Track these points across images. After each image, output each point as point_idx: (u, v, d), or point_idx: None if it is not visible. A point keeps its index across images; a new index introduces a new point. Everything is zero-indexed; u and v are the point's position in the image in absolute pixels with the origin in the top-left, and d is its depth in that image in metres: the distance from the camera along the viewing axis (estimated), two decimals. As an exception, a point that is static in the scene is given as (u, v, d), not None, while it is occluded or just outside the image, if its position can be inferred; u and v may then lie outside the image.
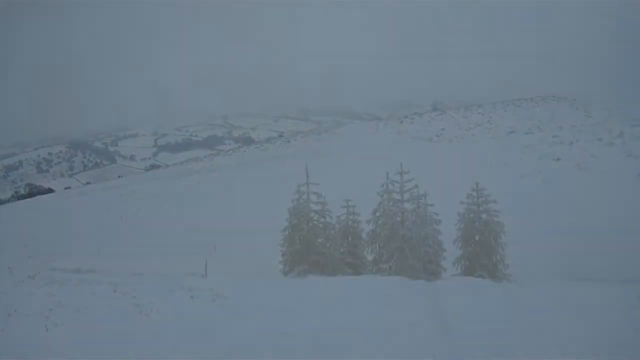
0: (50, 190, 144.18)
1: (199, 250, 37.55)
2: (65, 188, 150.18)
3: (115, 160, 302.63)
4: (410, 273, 30.80)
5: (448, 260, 33.83)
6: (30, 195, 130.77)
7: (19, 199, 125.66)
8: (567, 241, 35.38)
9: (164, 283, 22.56)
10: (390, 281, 26.52)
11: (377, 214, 33.78)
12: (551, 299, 20.12)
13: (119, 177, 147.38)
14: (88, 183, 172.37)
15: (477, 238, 34.26)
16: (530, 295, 21.87)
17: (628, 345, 13.00)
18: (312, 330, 14.76)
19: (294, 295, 21.13)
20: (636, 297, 19.04)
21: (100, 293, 18.43)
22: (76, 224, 60.37)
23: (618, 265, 30.45)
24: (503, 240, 33.76)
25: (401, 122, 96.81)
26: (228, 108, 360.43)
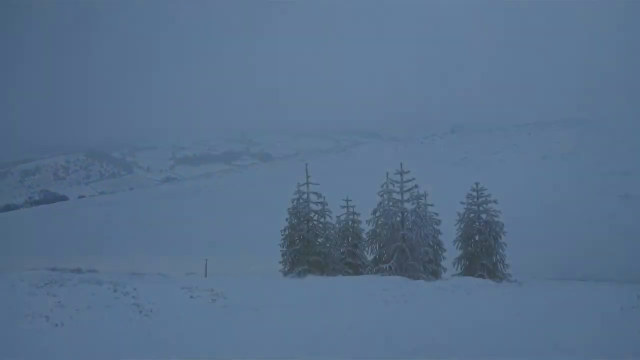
0: (64, 198, 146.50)
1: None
2: (80, 197, 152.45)
3: (132, 171, 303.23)
4: (411, 273, 30.82)
5: (448, 260, 33.88)
6: (45, 201, 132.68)
7: (32, 205, 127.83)
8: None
9: (164, 283, 22.56)
10: (390, 281, 26.51)
11: (377, 214, 33.82)
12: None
13: (130, 189, 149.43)
14: (102, 193, 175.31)
15: (477, 238, 34.35)
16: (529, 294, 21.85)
17: (628, 344, 12.99)
18: (313, 331, 14.76)
19: (294, 295, 21.12)
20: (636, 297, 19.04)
21: (100, 293, 18.43)
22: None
23: None
24: (503, 240, 33.83)
25: (421, 142, 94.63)
26: (247, 124, 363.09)
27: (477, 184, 33.84)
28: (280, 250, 32.61)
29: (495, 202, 33.38)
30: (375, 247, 33.37)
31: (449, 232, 33.42)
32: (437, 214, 33.70)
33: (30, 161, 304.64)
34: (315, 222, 32.97)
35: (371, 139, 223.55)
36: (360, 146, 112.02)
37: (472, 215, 33.71)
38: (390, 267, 30.83)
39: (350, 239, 34.36)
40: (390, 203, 32.71)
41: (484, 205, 33.47)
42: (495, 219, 33.25)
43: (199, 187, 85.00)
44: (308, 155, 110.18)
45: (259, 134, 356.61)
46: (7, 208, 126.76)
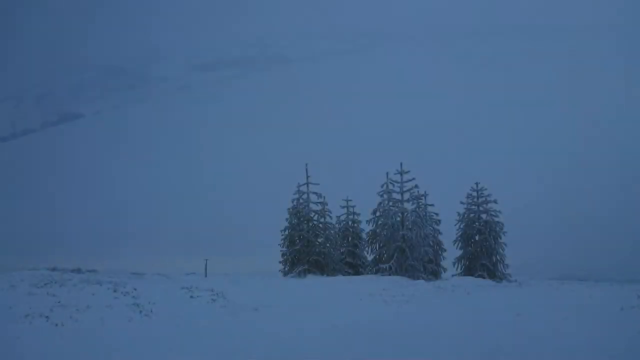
0: (80, 115, 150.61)
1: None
2: (95, 113, 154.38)
3: (148, 82, 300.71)
4: (411, 273, 30.81)
5: (448, 260, 33.90)
6: (62, 121, 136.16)
7: (49, 126, 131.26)
8: None
9: (164, 283, 22.55)
10: (390, 281, 26.51)
11: (377, 214, 33.80)
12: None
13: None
14: (116, 107, 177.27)
15: (477, 238, 34.36)
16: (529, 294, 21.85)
17: (628, 344, 12.99)
18: (312, 331, 14.75)
19: (293, 295, 21.12)
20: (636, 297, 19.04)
21: (100, 293, 18.42)
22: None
23: None
24: (503, 240, 33.82)
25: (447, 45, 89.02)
26: (263, 28, 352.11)
27: (477, 183, 33.85)
28: (280, 251, 32.61)
29: (495, 202, 33.40)
30: (375, 247, 33.37)
31: (449, 232, 33.43)
32: (437, 214, 33.72)
33: (43, 84, 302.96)
34: (315, 222, 32.97)
35: (394, 41, 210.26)
36: (378, 48, 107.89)
37: (472, 215, 33.71)
38: (390, 267, 30.83)
39: (350, 239, 34.38)
40: (390, 203, 32.71)
41: (484, 205, 33.47)
42: (495, 219, 33.25)
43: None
44: (324, 57, 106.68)
45: (275, 37, 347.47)
46: (25, 132, 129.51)
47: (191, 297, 19.19)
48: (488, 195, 33.49)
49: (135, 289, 19.17)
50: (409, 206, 32.49)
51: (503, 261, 33.16)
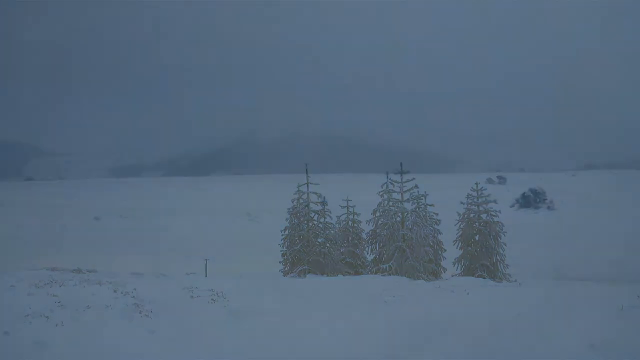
0: None
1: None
2: None
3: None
4: (411, 273, 30.80)
5: (448, 260, 33.85)
6: None
7: None
8: None
9: (164, 283, 22.56)
10: (390, 281, 26.49)
11: (377, 214, 33.79)
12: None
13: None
14: None
15: (477, 238, 34.33)
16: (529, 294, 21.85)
17: (628, 344, 12.99)
18: (313, 331, 14.76)
19: (294, 295, 21.11)
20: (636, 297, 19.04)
21: (100, 293, 18.43)
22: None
23: None
24: (503, 240, 33.78)
25: None
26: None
27: (477, 183, 33.87)
28: (280, 251, 32.67)
29: (495, 202, 33.41)
30: (375, 247, 33.39)
31: (449, 232, 33.45)
32: (437, 214, 33.72)
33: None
34: (315, 222, 32.99)
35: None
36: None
37: (472, 215, 33.72)
38: (390, 267, 30.85)
39: (350, 239, 34.38)
40: (390, 203, 32.73)
41: (484, 205, 33.49)
42: (495, 219, 33.26)
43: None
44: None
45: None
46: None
47: (191, 297, 19.20)
48: (488, 196, 33.52)
49: (135, 289, 19.18)
50: (409, 206, 32.51)
51: (503, 261, 33.17)
